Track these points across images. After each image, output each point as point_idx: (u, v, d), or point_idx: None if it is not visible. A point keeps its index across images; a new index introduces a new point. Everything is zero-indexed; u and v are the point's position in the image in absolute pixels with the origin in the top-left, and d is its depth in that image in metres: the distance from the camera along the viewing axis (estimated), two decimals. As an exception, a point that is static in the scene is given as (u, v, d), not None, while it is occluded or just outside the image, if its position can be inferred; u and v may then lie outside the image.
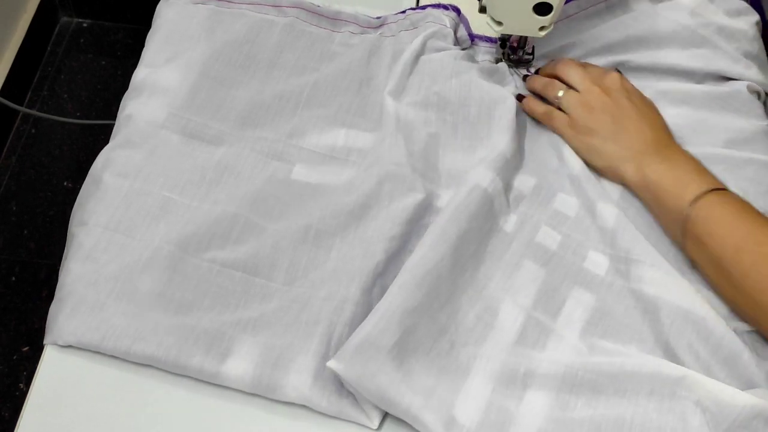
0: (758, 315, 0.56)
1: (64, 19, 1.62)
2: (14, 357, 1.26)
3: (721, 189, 0.60)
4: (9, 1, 1.47)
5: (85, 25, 1.62)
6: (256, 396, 0.56)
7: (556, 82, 0.68)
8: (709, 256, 0.58)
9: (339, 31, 0.74)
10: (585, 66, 0.69)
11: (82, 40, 1.60)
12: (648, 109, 0.66)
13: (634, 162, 0.63)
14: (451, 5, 0.74)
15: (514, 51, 0.72)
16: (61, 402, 0.56)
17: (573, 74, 0.68)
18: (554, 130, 0.68)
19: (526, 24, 0.66)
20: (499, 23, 0.67)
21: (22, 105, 1.40)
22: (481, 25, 0.71)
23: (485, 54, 0.74)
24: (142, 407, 0.56)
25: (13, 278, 1.30)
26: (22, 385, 1.23)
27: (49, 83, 1.53)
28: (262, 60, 0.71)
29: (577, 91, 0.67)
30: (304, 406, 0.55)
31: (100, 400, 0.57)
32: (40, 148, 1.44)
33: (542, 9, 0.64)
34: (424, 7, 0.75)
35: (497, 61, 0.73)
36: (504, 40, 0.72)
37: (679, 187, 0.60)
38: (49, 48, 1.59)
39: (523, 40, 0.71)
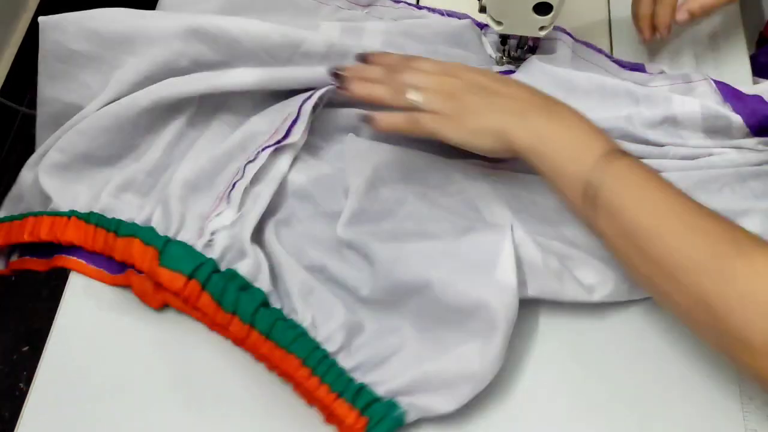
0: (674, 291, 0.51)
1: (64, 19, 1.62)
2: (14, 357, 1.26)
3: (623, 151, 0.55)
4: (9, 1, 1.47)
5: (85, 25, 1.62)
6: (255, 401, 0.56)
7: (399, 86, 0.58)
8: (622, 227, 0.53)
9: (327, 4, 0.74)
10: (411, 62, 0.60)
11: (82, 40, 1.60)
12: (509, 80, 0.60)
13: (520, 122, 0.56)
14: (448, 11, 0.74)
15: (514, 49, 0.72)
16: (61, 402, 0.56)
17: (411, 75, 0.58)
18: (428, 133, 0.57)
19: (526, 24, 0.66)
20: (499, 23, 0.67)
21: (22, 105, 1.40)
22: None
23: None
24: (142, 407, 0.56)
25: (13, 278, 1.30)
26: (22, 385, 1.23)
27: (49, 83, 1.53)
28: None
29: (423, 89, 0.58)
30: (305, 414, 0.55)
31: (100, 400, 0.57)
32: (40, 148, 1.44)
33: (542, 9, 0.64)
34: (420, 7, 0.75)
35: (498, 60, 0.73)
36: (504, 39, 0.72)
37: (578, 148, 0.54)
38: (49, 48, 1.59)
39: (523, 40, 0.71)
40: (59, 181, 0.64)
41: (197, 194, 0.61)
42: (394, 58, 0.61)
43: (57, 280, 0.62)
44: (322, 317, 0.57)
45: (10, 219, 0.64)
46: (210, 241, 0.59)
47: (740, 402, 0.57)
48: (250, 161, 0.62)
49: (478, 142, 0.57)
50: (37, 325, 1.27)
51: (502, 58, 0.73)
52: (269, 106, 0.65)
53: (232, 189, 0.61)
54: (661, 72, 0.72)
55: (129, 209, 0.61)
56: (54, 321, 0.60)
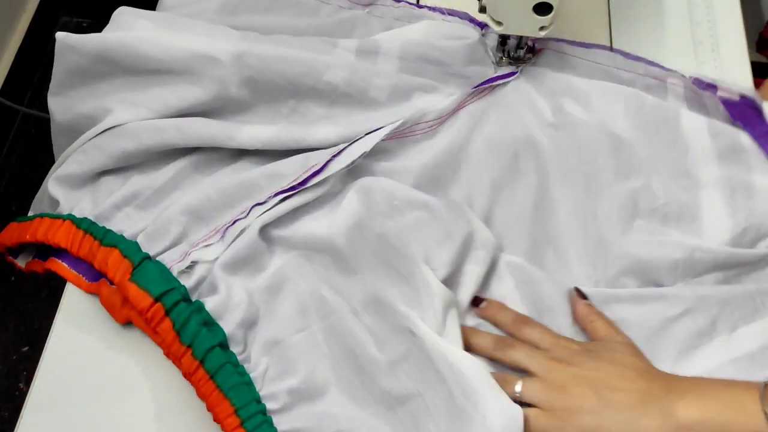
0: None
1: (64, 19, 1.62)
2: (14, 357, 1.26)
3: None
4: (9, 1, 1.47)
5: (85, 25, 1.62)
6: (256, 396, 0.56)
7: (508, 377, 0.55)
8: None
9: (327, 3, 0.74)
10: (525, 334, 0.57)
11: (82, 40, 1.60)
12: (621, 354, 0.55)
13: (651, 414, 0.51)
14: (448, 10, 0.74)
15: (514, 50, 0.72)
16: (61, 402, 0.56)
17: (522, 357, 0.55)
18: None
19: (526, 24, 0.66)
20: (499, 23, 0.67)
21: (22, 105, 1.40)
22: (481, 25, 0.71)
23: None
24: (142, 408, 0.56)
25: (13, 278, 1.30)
26: (22, 385, 1.23)
27: (49, 83, 1.53)
28: (246, 25, 0.70)
29: (535, 375, 0.55)
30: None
31: (100, 400, 0.57)
32: (40, 148, 1.43)
33: (542, 9, 0.64)
34: (421, 7, 0.75)
35: (498, 60, 0.73)
36: (504, 40, 0.72)
37: (732, 411, 0.51)
38: (49, 48, 1.59)
39: (523, 41, 0.71)
40: (68, 188, 0.64)
41: (199, 223, 0.60)
42: (508, 316, 0.58)
43: (57, 280, 0.62)
44: (276, 372, 0.55)
45: (25, 220, 0.65)
46: (189, 269, 0.58)
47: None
48: (259, 203, 0.60)
49: None
50: (37, 325, 1.27)
51: (501, 58, 0.73)
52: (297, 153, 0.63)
53: (231, 225, 0.60)
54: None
55: (124, 221, 0.61)
56: (54, 321, 0.60)
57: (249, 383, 0.54)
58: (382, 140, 0.64)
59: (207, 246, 0.59)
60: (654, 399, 0.51)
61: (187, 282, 0.57)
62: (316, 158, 0.61)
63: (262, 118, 0.65)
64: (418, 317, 0.55)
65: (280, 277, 0.59)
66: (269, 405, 0.54)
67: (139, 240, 0.59)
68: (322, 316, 0.58)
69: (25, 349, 1.27)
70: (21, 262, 0.66)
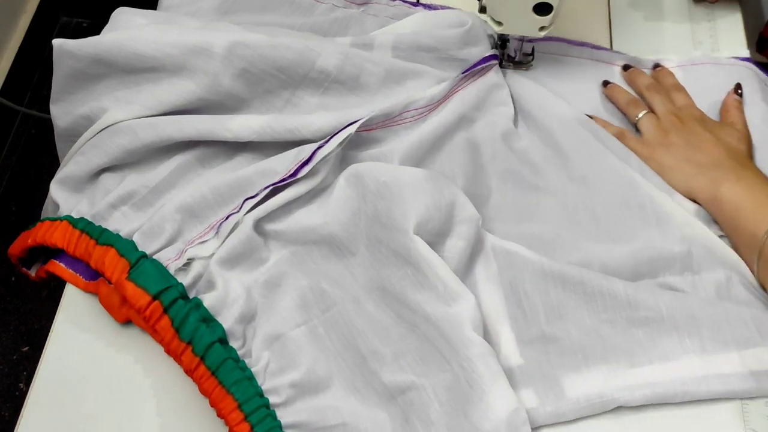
0: None
1: (64, 19, 1.62)
2: (14, 357, 1.26)
3: None
4: (9, 1, 1.47)
5: (85, 25, 1.61)
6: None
7: (639, 102, 0.70)
8: None
9: (322, 2, 0.74)
10: (670, 93, 0.70)
11: (82, 40, 1.60)
12: (728, 139, 0.67)
13: (706, 178, 0.64)
14: (444, 7, 0.74)
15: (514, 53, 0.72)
16: (61, 402, 0.56)
17: (657, 102, 0.70)
18: (628, 147, 0.68)
19: (526, 24, 0.66)
20: (499, 23, 0.67)
21: (22, 105, 1.40)
22: (481, 25, 0.71)
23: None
24: (142, 407, 0.56)
25: (13, 278, 1.30)
26: (22, 385, 1.23)
27: (49, 83, 1.53)
28: (241, 22, 0.70)
29: (656, 115, 0.69)
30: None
31: (100, 400, 0.57)
32: (40, 148, 1.43)
33: (542, 9, 0.64)
34: (416, 5, 0.75)
35: (499, 62, 0.73)
36: (504, 41, 0.72)
37: (756, 211, 0.61)
38: (49, 48, 1.59)
39: (522, 42, 0.71)
40: (68, 189, 0.64)
41: (194, 221, 0.60)
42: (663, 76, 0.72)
43: (57, 281, 0.62)
44: (278, 366, 0.56)
45: (31, 227, 0.64)
46: (186, 266, 0.58)
47: (740, 402, 0.57)
48: (250, 197, 0.61)
49: (664, 175, 0.66)
50: (37, 325, 1.27)
51: (501, 61, 0.73)
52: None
53: (224, 220, 0.60)
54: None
55: (120, 220, 0.61)
56: (54, 321, 0.60)
57: (251, 378, 0.55)
58: (373, 129, 0.64)
59: (202, 242, 0.59)
60: (717, 170, 0.64)
61: (184, 279, 0.58)
62: (307, 151, 0.62)
63: (257, 112, 0.65)
64: (427, 299, 0.56)
65: (278, 272, 0.60)
66: (272, 399, 0.54)
67: (134, 239, 0.59)
68: (323, 309, 0.58)
69: (25, 349, 1.27)
70: (33, 272, 0.66)
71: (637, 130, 0.70)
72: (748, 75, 0.72)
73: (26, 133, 1.44)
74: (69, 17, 1.62)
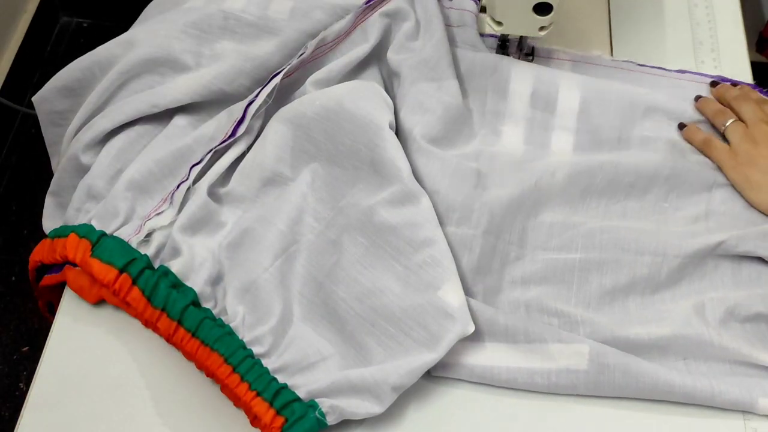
0: None
1: (64, 19, 1.62)
2: (14, 357, 1.26)
3: None
4: (9, 1, 1.47)
5: (85, 25, 1.61)
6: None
7: (728, 111, 0.69)
8: None
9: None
10: (760, 103, 0.69)
11: (82, 40, 1.60)
12: None
13: None
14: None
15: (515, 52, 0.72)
16: (61, 402, 0.56)
17: (747, 109, 0.68)
18: (712, 159, 0.67)
19: (526, 24, 0.66)
20: (499, 23, 0.67)
21: (21, 105, 1.40)
22: (481, 25, 0.71)
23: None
24: (142, 408, 0.56)
25: (13, 278, 1.30)
26: (22, 385, 1.23)
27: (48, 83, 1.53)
28: None
29: (744, 124, 0.67)
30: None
31: (100, 400, 0.57)
32: (40, 148, 1.43)
33: (542, 9, 0.64)
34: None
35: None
36: (504, 41, 0.72)
37: None
38: (49, 48, 1.59)
39: (522, 42, 0.71)
40: (52, 206, 0.69)
41: (144, 196, 0.62)
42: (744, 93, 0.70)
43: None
44: (254, 318, 0.57)
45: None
46: (147, 238, 0.60)
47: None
48: (196, 164, 0.62)
49: (746, 192, 0.65)
50: (37, 325, 1.27)
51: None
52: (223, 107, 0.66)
53: (176, 190, 0.61)
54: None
55: (83, 217, 0.62)
56: (54, 321, 0.60)
57: (231, 333, 0.56)
58: (292, 74, 0.66)
59: (159, 214, 0.61)
60: None
61: (148, 251, 0.59)
62: (239, 109, 0.64)
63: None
64: (383, 203, 0.59)
65: (239, 232, 0.61)
66: (256, 350, 0.55)
67: (92, 224, 0.60)
68: (284, 248, 0.60)
69: (25, 349, 1.27)
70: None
71: (725, 139, 0.68)
72: None
73: (26, 133, 1.44)
74: (69, 17, 1.62)
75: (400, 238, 0.58)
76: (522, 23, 0.66)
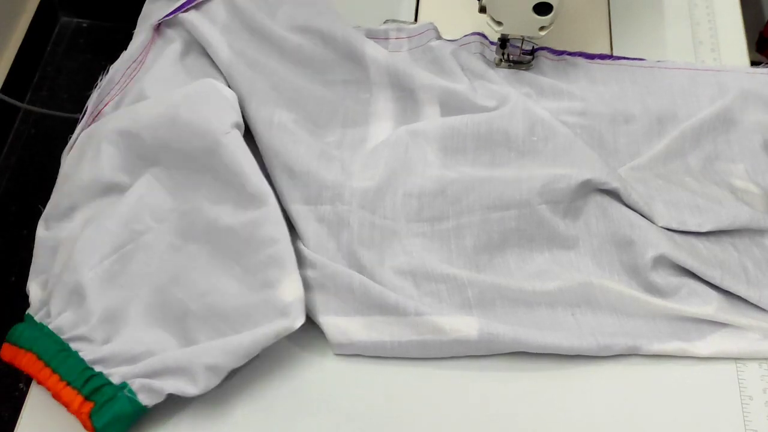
0: None
1: (64, 19, 1.62)
2: (14, 357, 1.26)
3: None
4: (9, 1, 1.47)
5: (85, 25, 1.61)
6: (255, 401, 0.56)
7: None
8: None
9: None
10: None
11: (82, 40, 1.60)
12: None
13: None
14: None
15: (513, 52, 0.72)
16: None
17: None
18: None
19: (526, 24, 0.66)
20: (499, 23, 0.67)
21: (23, 102, 1.40)
22: (482, 25, 0.71)
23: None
24: (142, 407, 0.56)
25: (13, 278, 1.30)
26: (22, 385, 1.23)
27: (49, 83, 1.53)
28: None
29: None
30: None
31: (100, 400, 0.56)
32: (40, 148, 1.43)
33: (542, 9, 0.64)
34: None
35: (498, 61, 0.73)
36: (504, 41, 0.72)
37: None
38: (49, 48, 1.59)
39: (522, 43, 0.71)
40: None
41: None
42: None
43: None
44: (76, 317, 0.57)
45: None
46: None
47: (740, 402, 0.57)
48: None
49: None
50: (37, 325, 1.27)
51: (501, 61, 0.73)
52: None
53: None
54: None
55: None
56: (54, 321, 0.60)
57: (49, 333, 0.57)
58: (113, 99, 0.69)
59: None
60: None
61: None
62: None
63: None
64: (225, 209, 0.59)
65: (66, 236, 0.62)
66: (75, 345, 0.56)
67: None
68: (116, 247, 0.59)
69: (25, 349, 1.27)
70: None
71: None
72: None
73: (26, 133, 1.44)
74: (69, 17, 1.62)
75: (241, 240, 0.58)
76: (522, 23, 0.66)
